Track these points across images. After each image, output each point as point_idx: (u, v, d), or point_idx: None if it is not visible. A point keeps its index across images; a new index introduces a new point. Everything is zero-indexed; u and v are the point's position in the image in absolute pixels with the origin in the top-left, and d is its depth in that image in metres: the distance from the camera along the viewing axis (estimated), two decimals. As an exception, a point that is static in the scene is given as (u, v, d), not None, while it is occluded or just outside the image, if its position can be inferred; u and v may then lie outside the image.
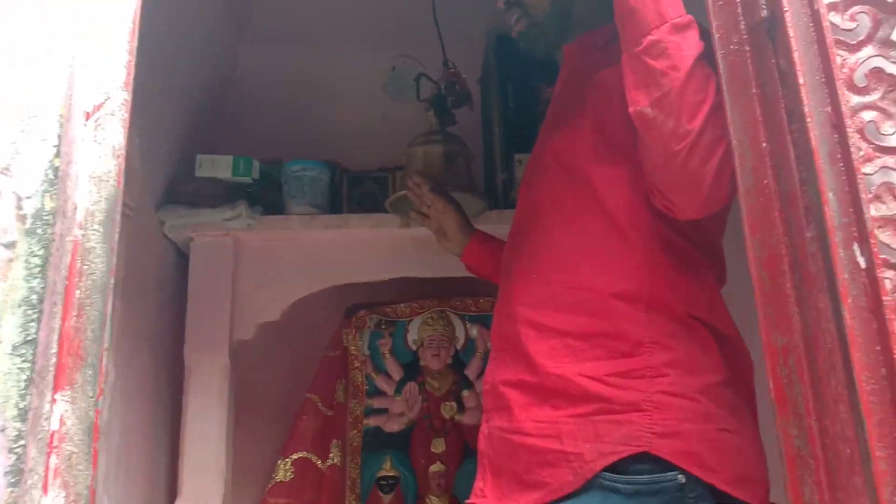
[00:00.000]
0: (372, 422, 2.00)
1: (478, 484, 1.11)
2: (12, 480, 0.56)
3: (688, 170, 0.94)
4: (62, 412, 0.61)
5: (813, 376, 0.71)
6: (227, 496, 1.74)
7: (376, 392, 2.03)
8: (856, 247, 0.69)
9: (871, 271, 0.68)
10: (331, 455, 1.90)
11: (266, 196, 1.92)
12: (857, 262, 0.69)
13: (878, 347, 0.67)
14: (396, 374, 2.05)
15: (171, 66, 1.83)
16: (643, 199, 1.04)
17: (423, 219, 1.53)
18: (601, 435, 0.96)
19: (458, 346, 2.08)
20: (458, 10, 2.09)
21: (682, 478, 0.94)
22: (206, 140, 2.07)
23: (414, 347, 2.08)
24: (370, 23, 2.26)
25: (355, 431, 1.96)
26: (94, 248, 0.66)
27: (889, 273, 0.68)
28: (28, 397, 0.58)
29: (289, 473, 1.86)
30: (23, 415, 0.58)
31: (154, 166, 1.80)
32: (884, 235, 0.69)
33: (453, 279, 1.90)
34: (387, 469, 1.97)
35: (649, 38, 0.93)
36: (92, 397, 0.62)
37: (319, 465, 1.88)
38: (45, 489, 0.59)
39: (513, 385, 1.07)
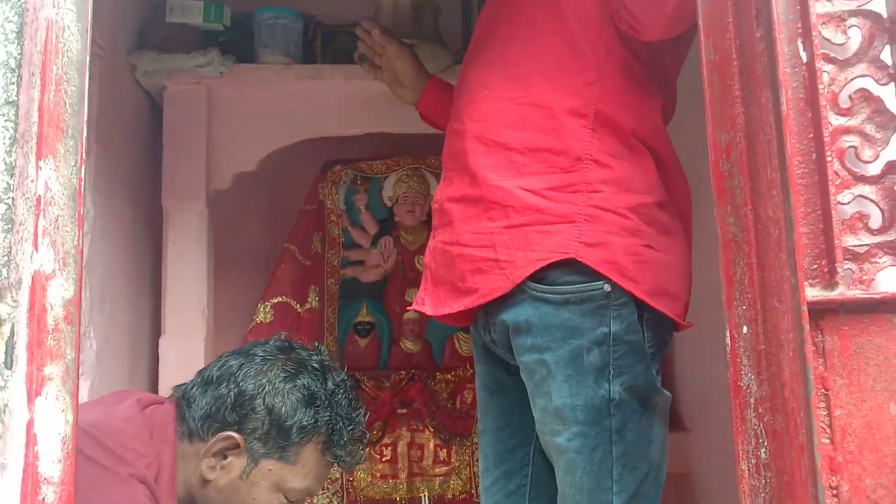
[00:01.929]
0: (349, 272, 2.08)
1: (419, 294, 1.20)
2: (5, 228, 0.60)
3: None
4: (46, 178, 0.65)
5: (752, 168, 0.77)
6: (209, 335, 1.82)
7: (352, 245, 2.10)
8: (799, 42, 0.73)
9: (811, 64, 0.72)
10: (309, 300, 1.99)
11: (238, 44, 1.89)
12: (800, 57, 0.73)
13: (811, 135, 0.72)
14: (372, 228, 2.11)
15: None
16: (608, 20, 1.06)
17: (375, 70, 1.47)
18: (532, 244, 1.04)
19: (432, 203, 2.12)
20: None
21: (607, 287, 1.02)
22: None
23: (389, 204, 2.13)
24: None
25: (332, 280, 2.04)
26: (69, 26, 0.68)
27: (827, 66, 0.72)
28: (13, 154, 0.61)
29: (268, 316, 1.94)
30: (9, 169, 0.61)
31: (125, 8, 1.76)
32: (826, 31, 0.73)
33: (428, 136, 1.90)
34: (363, 315, 2.06)
35: None
36: (74, 165, 0.66)
37: (298, 309, 1.97)
38: (35, 246, 0.64)
39: (456, 200, 1.12)
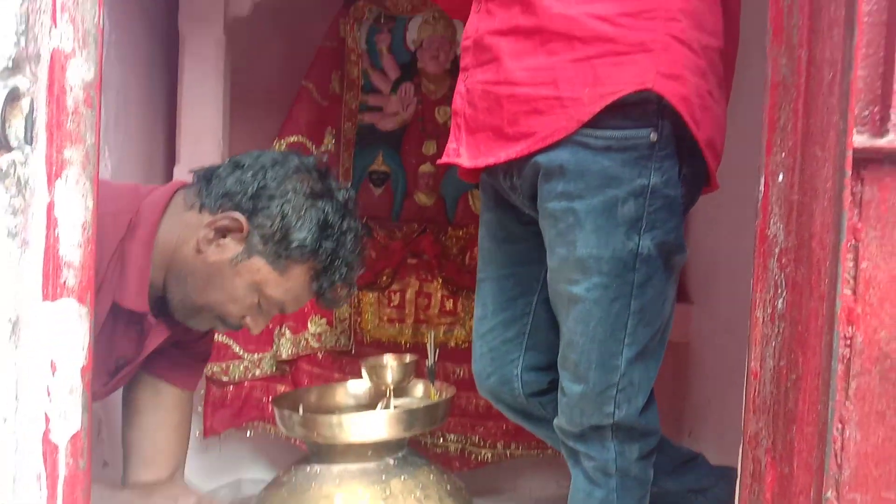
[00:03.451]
0: (367, 118, 2.03)
1: (450, 145, 1.10)
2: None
3: None
4: (63, -52, 0.61)
5: (813, 6, 0.72)
6: (224, 166, 1.81)
7: (372, 89, 2.04)
8: None
9: None
10: (325, 142, 1.96)
11: None
12: None
13: (885, -30, 0.67)
14: (393, 72, 2.04)
15: None
16: None
17: None
18: (601, 77, 0.95)
19: (458, 51, 2.04)
20: None
21: (654, 135, 0.97)
22: None
23: (413, 48, 2.04)
24: None
25: (350, 124, 2.00)
26: None
27: None
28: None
29: (283, 152, 1.91)
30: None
31: None
32: None
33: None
34: (378, 164, 2.03)
35: None
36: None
37: (313, 150, 1.94)
38: (53, 20, 0.61)
39: (503, 34, 1.02)
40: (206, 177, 1.07)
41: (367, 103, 2.04)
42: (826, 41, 0.70)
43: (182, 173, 1.78)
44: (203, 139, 1.77)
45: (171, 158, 1.82)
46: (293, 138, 1.93)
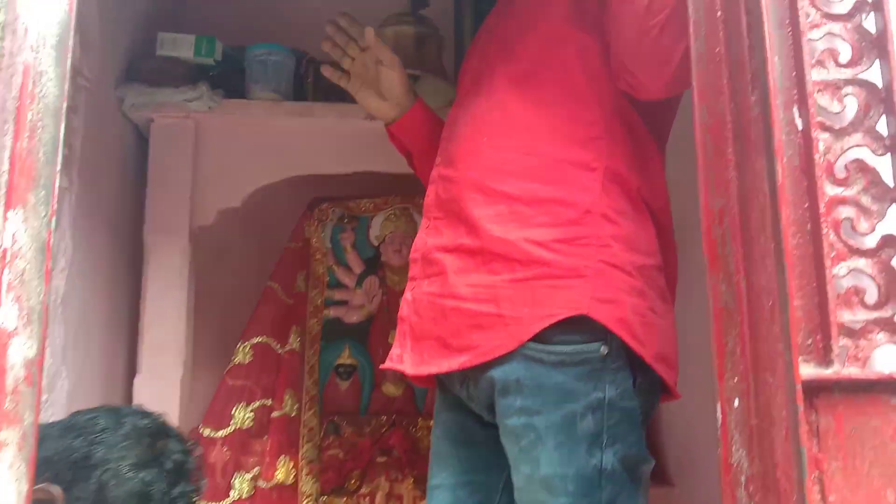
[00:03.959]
0: (332, 312, 2.04)
1: (394, 350, 1.11)
2: (-37, 285, 0.57)
3: (659, 47, 0.94)
4: (14, 230, 0.62)
5: (745, 235, 0.75)
6: (185, 376, 1.78)
7: (337, 284, 2.06)
8: (795, 109, 0.72)
9: (806, 132, 0.71)
10: (290, 341, 1.94)
11: (229, 80, 1.88)
12: (795, 124, 0.72)
13: (806, 205, 0.70)
14: (357, 267, 2.08)
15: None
16: (609, 73, 1.04)
17: (339, 74, 1.32)
18: (540, 299, 0.98)
19: (419, 244, 2.10)
20: None
21: (604, 349, 0.98)
22: (170, 19, 2.01)
23: (376, 243, 2.10)
24: None
25: (315, 320, 2.00)
26: (46, 71, 0.65)
27: (824, 135, 0.71)
28: (-22, 205, 0.58)
29: (247, 356, 1.90)
30: (-28, 224, 0.58)
31: (114, 40, 1.75)
32: (822, 99, 0.71)
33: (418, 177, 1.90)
34: (345, 357, 2.02)
35: None
36: (45, 217, 0.63)
37: (278, 350, 1.93)
38: (-3, 301, 0.61)
39: (449, 250, 1.06)
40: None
41: (332, 298, 2.05)
42: (761, 271, 0.73)
43: (143, 384, 1.75)
44: (166, 348, 1.75)
45: (131, 370, 1.78)
46: (258, 339, 1.92)
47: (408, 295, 1.12)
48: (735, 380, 0.73)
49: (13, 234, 0.63)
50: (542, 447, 0.97)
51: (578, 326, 0.97)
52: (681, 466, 1.85)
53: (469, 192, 1.07)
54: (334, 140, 1.92)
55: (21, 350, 0.61)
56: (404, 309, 1.12)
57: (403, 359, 1.09)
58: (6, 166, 0.62)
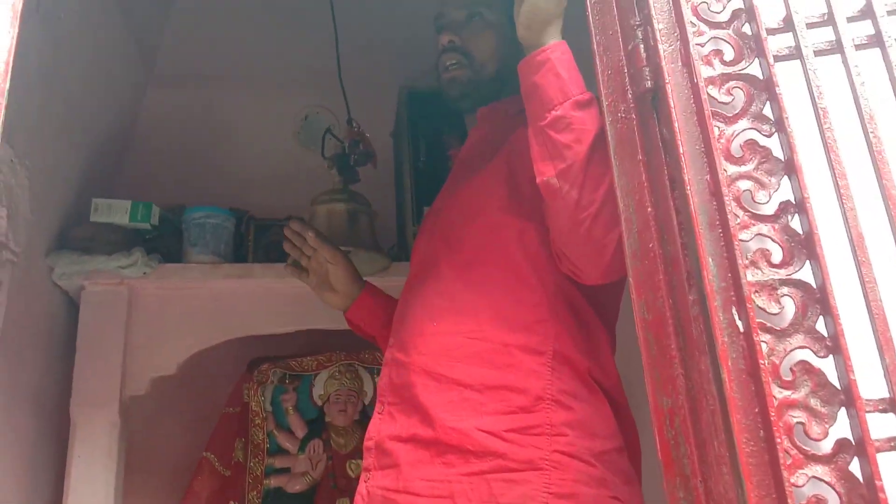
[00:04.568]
0: (273, 482, 1.92)
1: None
2: None
3: (592, 237, 0.96)
4: None
5: (698, 438, 0.73)
6: (112, 563, 1.62)
7: (278, 450, 1.95)
8: (734, 311, 0.72)
9: (748, 335, 0.70)
10: (228, 517, 1.81)
11: (166, 243, 1.85)
12: (736, 326, 0.71)
13: (756, 409, 0.69)
14: (300, 430, 1.98)
15: (71, 107, 1.76)
16: (549, 256, 1.05)
17: (301, 273, 1.41)
18: (496, 495, 0.94)
19: (367, 401, 2.03)
20: (372, 61, 2.12)
21: None
22: (106, 184, 1.99)
23: (320, 403, 2.02)
24: (281, 69, 2.25)
25: (255, 493, 1.87)
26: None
27: (765, 337, 0.70)
28: None
29: (182, 538, 1.75)
30: None
31: (46, 210, 1.71)
32: (759, 300, 0.71)
33: (362, 332, 1.86)
34: (289, 532, 1.88)
35: (553, 112, 0.97)
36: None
37: (214, 529, 1.78)
38: None
39: (403, 440, 1.03)
40: None
41: (273, 466, 1.94)
42: (717, 477, 0.70)
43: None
44: (91, 535, 1.60)
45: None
46: (193, 516, 1.78)
47: (362, 488, 1.07)
48: None
49: None
50: None
51: None
52: None
53: (421, 378, 1.05)
54: (275, 299, 1.88)
55: None
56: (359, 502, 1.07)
57: None
58: None
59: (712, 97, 0.78)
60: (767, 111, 0.77)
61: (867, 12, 0.81)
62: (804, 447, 0.67)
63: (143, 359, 1.76)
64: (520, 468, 0.95)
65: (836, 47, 0.79)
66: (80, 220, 1.82)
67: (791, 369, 0.70)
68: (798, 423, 0.68)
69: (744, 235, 0.74)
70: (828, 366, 0.69)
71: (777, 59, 0.79)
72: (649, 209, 0.80)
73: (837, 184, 0.74)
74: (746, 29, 0.81)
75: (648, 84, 0.81)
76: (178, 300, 1.83)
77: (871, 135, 0.75)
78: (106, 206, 1.81)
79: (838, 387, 0.68)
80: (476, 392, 1.01)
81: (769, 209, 0.75)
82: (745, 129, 0.77)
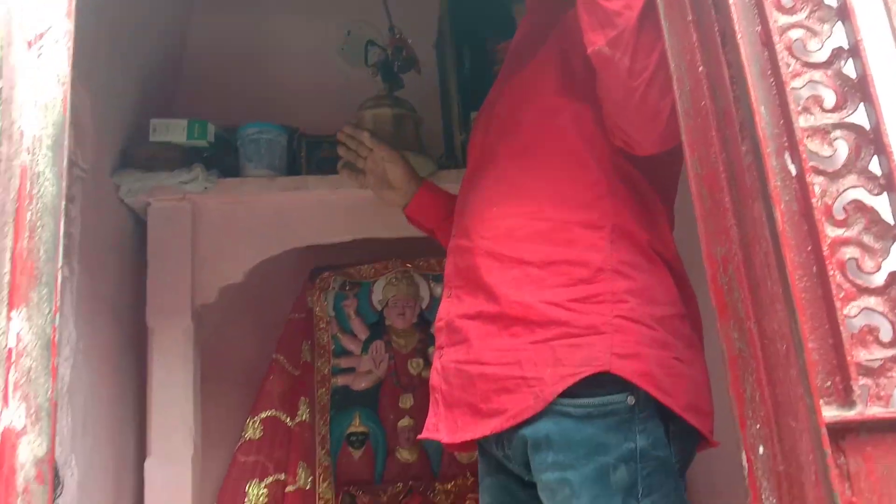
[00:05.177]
0: (340, 381, 2.02)
1: (430, 420, 1.13)
2: (-28, 393, 0.57)
3: (646, 105, 0.97)
4: (18, 329, 0.62)
5: (751, 281, 0.75)
6: (196, 455, 1.75)
7: (343, 352, 2.05)
8: (787, 155, 0.73)
9: (801, 178, 0.72)
10: (299, 412, 1.92)
11: (222, 160, 1.91)
12: (789, 170, 0.73)
13: (809, 248, 0.71)
14: (362, 333, 2.07)
15: (122, 30, 1.80)
16: (605, 134, 1.07)
17: (357, 175, 1.45)
18: (561, 359, 0.99)
19: (424, 306, 2.10)
20: (413, -30, 2.10)
21: (631, 399, 0.98)
22: (162, 105, 2.05)
23: (379, 308, 2.10)
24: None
25: (323, 390, 1.98)
26: (43, 171, 0.66)
27: (818, 178, 0.72)
28: (-17, 307, 0.58)
29: (258, 431, 1.87)
30: (-21, 326, 0.58)
31: (108, 130, 1.78)
32: (812, 144, 0.73)
33: (417, 239, 1.90)
34: (356, 425, 1.99)
35: None
36: (48, 314, 0.63)
37: (288, 423, 1.91)
38: (5, 401, 0.60)
39: (470, 317, 1.08)
40: None
41: (339, 366, 2.04)
42: (772, 315, 0.72)
43: (154, 467, 1.73)
44: (175, 429, 1.73)
45: (142, 452, 1.75)
46: (266, 413, 1.91)
47: (437, 364, 1.14)
48: (757, 426, 0.72)
49: (17, 334, 0.62)
50: (577, 500, 0.96)
51: (603, 382, 0.98)
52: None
53: (484, 260, 1.09)
54: (330, 210, 1.94)
55: (30, 449, 0.60)
56: (434, 377, 1.14)
57: (439, 428, 1.10)
58: (7, 267, 0.63)
59: (763, -54, 0.77)
60: (820, -43, 0.76)
61: None
62: (857, 281, 0.69)
63: (211, 269, 1.85)
64: (583, 333, 0.99)
65: None
66: (139, 141, 1.89)
67: (844, 208, 0.71)
68: (851, 258, 0.70)
69: (796, 83, 0.74)
70: (881, 203, 0.71)
71: None
72: (700, 68, 0.81)
73: (893, 26, 0.74)
74: None
75: (698, -62, 0.80)
76: (238, 213, 1.90)
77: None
78: (164, 125, 1.87)
79: (891, 223, 0.70)
80: (537, 268, 1.05)
81: (821, 56, 0.75)
82: (796, -24, 0.76)
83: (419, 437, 1.15)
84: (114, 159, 1.83)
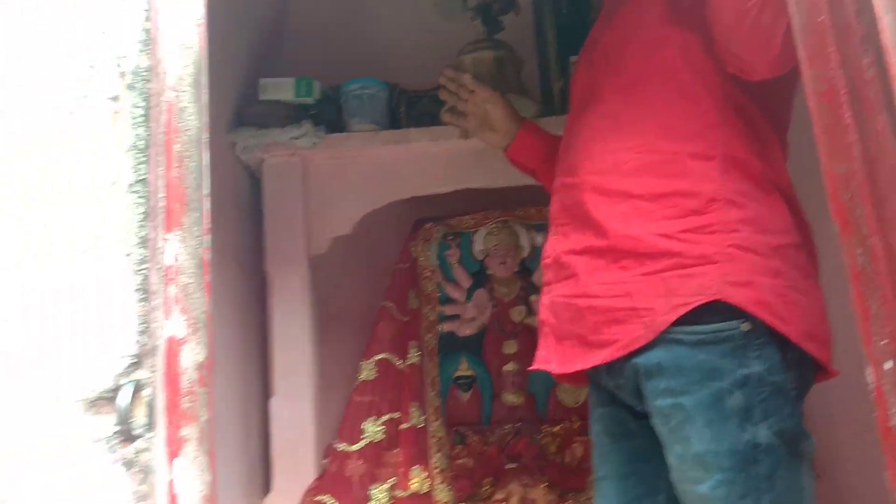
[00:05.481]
0: (446, 327, 2.09)
1: (540, 353, 1.15)
2: (141, 297, 0.64)
3: (760, 27, 0.94)
4: (175, 250, 0.69)
5: (875, 197, 0.73)
6: (317, 394, 1.88)
7: (447, 300, 2.11)
8: (914, 63, 0.70)
9: (929, 83, 0.69)
10: (409, 355, 2.01)
11: (328, 116, 1.98)
12: (916, 77, 0.70)
13: (938, 158, 0.68)
14: (465, 282, 2.12)
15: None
16: (715, 63, 1.05)
17: (458, 117, 1.46)
18: (672, 289, 0.99)
19: (524, 255, 2.12)
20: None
21: (745, 325, 0.97)
22: (269, 66, 2.14)
23: (480, 257, 2.14)
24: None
25: (430, 335, 2.05)
26: (187, 107, 0.73)
27: (949, 86, 0.69)
28: (145, 229, 0.66)
29: (372, 373, 1.97)
30: (143, 243, 0.66)
31: (222, 92, 1.87)
32: (943, 50, 0.69)
33: (516, 188, 1.92)
34: (463, 369, 2.06)
35: None
36: (199, 237, 0.70)
37: (399, 365, 1.99)
38: (166, 313, 0.67)
39: (578, 253, 1.09)
40: None
41: (444, 313, 2.10)
42: (896, 229, 0.71)
43: (279, 405, 1.85)
44: (296, 371, 1.85)
45: (266, 392, 1.88)
46: (379, 356, 2.00)
47: (545, 299, 1.16)
48: (884, 342, 0.71)
49: (175, 254, 0.69)
50: (692, 425, 0.97)
51: (716, 310, 0.98)
52: (824, 456, 1.76)
53: (591, 196, 1.10)
54: (431, 162, 1.99)
55: (192, 355, 0.68)
56: (543, 312, 1.16)
57: (549, 359, 1.13)
58: (162, 193, 0.69)
59: None
60: None
61: None
62: None
63: (322, 221, 1.94)
64: (695, 263, 0.99)
65: None
66: (250, 100, 1.98)
67: (978, 115, 0.68)
68: (985, 166, 0.67)
69: (925, -13, 0.71)
70: None
71: None
72: (819, -20, 0.78)
73: None
74: None
75: None
76: (345, 167, 1.98)
77: None
78: (273, 85, 1.96)
79: None
80: (646, 202, 1.05)
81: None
82: None
83: (530, 368, 1.18)
84: (228, 119, 1.93)
